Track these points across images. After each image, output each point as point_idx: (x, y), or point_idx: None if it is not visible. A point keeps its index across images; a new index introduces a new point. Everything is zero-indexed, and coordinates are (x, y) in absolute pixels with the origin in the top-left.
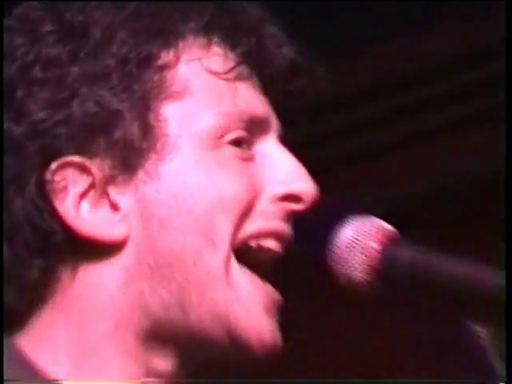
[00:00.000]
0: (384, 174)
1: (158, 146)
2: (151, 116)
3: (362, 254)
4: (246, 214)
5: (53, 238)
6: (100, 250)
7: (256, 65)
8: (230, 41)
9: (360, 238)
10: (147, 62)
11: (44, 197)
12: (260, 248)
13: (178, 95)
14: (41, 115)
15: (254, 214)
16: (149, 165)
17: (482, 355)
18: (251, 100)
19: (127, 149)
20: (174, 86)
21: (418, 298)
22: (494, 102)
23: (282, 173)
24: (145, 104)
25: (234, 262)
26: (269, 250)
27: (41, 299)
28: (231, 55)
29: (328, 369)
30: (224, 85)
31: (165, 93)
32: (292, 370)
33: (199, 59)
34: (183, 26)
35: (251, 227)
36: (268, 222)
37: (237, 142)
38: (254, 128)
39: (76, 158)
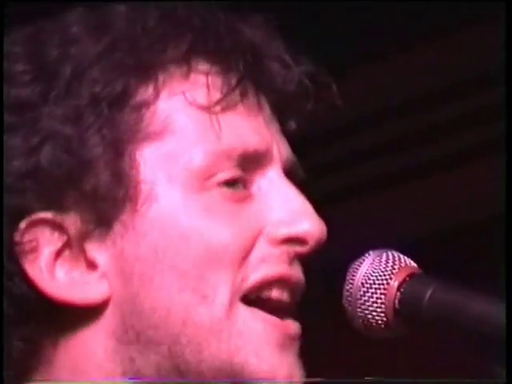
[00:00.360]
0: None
1: (133, 194)
2: (125, 161)
3: (378, 292)
4: (242, 261)
5: (27, 305)
6: (81, 314)
7: (256, 89)
8: (221, 66)
9: (377, 275)
10: (121, 100)
11: (14, 260)
12: (266, 300)
13: (156, 135)
14: (9, 166)
15: (255, 260)
16: (125, 216)
17: None
18: (244, 133)
19: (100, 200)
20: (152, 125)
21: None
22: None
23: (283, 212)
24: (118, 148)
25: (239, 309)
26: (276, 300)
27: (27, 370)
28: (222, 82)
29: None
30: (211, 119)
31: (141, 134)
32: None
33: (183, 92)
34: (162, 55)
35: (254, 275)
36: (271, 268)
37: (229, 183)
38: (250, 164)
39: (46, 215)
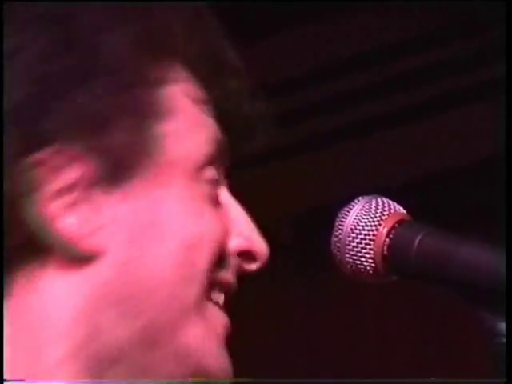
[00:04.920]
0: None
1: (151, 166)
2: (148, 131)
3: (367, 238)
4: (220, 255)
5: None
6: (72, 255)
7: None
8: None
9: (366, 221)
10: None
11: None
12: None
13: (166, 112)
14: None
15: (226, 258)
16: (137, 182)
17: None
18: (218, 138)
19: (122, 155)
20: (164, 101)
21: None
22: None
23: (242, 226)
24: (142, 129)
25: (208, 298)
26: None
27: None
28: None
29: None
30: (201, 115)
31: (159, 111)
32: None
33: (182, 80)
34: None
35: (220, 276)
36: (229, 275)
37: (212, 180)
38: (221, 168)
39: (69, 147)
